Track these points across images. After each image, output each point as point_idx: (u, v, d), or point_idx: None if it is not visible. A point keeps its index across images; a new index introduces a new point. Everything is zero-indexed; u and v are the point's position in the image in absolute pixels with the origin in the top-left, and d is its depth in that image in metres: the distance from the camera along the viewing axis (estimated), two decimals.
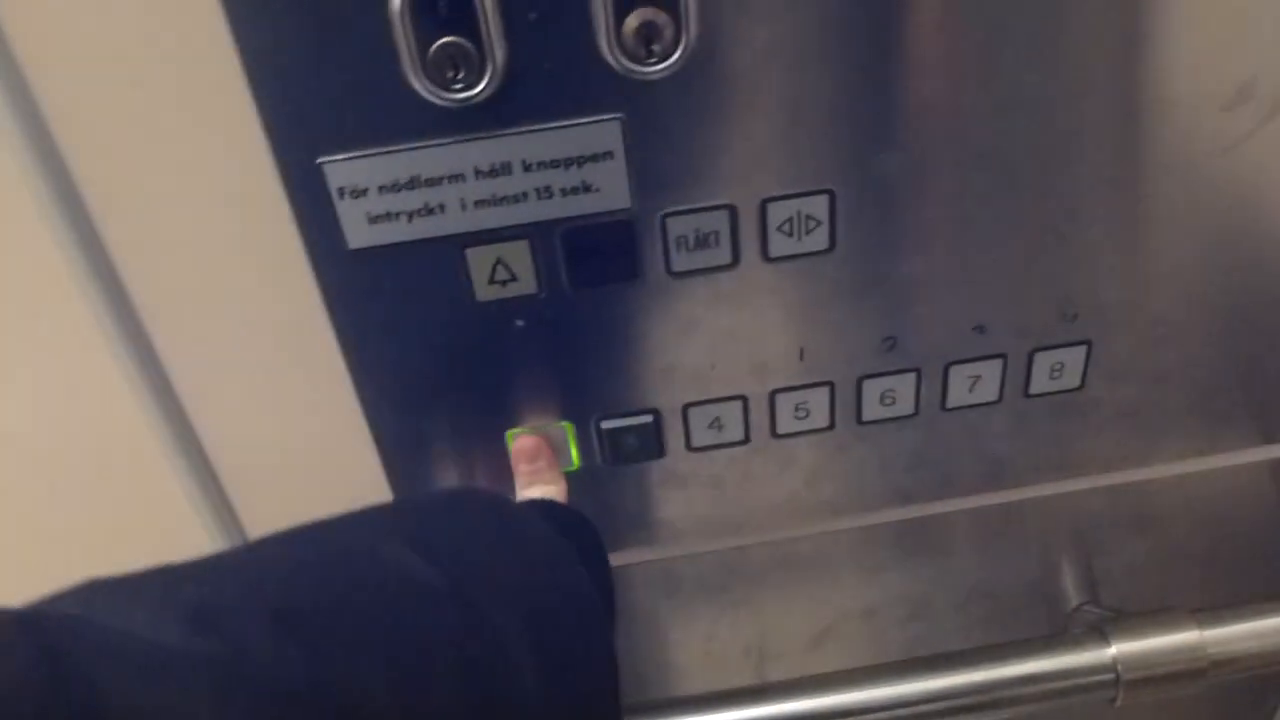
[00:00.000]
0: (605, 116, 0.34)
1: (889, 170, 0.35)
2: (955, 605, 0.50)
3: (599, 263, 0.37)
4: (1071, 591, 0.50)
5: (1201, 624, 0.44)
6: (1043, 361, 0.41)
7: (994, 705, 0.45)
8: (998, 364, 0.41)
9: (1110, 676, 0.44)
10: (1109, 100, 0.35)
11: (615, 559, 0.45)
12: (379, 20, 0.31)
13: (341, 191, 0.34)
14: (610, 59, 0.32)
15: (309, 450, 0.41)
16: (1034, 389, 0.42)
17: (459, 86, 0.33)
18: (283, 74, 0.32)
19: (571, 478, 0.42)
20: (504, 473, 0.42)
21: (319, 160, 0.34)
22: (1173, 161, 0.36)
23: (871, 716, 0.46)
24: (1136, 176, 0.37)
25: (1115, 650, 0.44)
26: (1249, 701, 0.62)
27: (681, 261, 0.37)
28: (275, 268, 0.36)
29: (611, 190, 0.35)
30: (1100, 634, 0.45)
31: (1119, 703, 0.44)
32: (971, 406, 0.42)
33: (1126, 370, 0.42)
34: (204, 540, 0.42)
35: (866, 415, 0.42)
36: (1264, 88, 0.35)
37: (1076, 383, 0.42)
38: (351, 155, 0.34)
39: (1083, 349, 0.41)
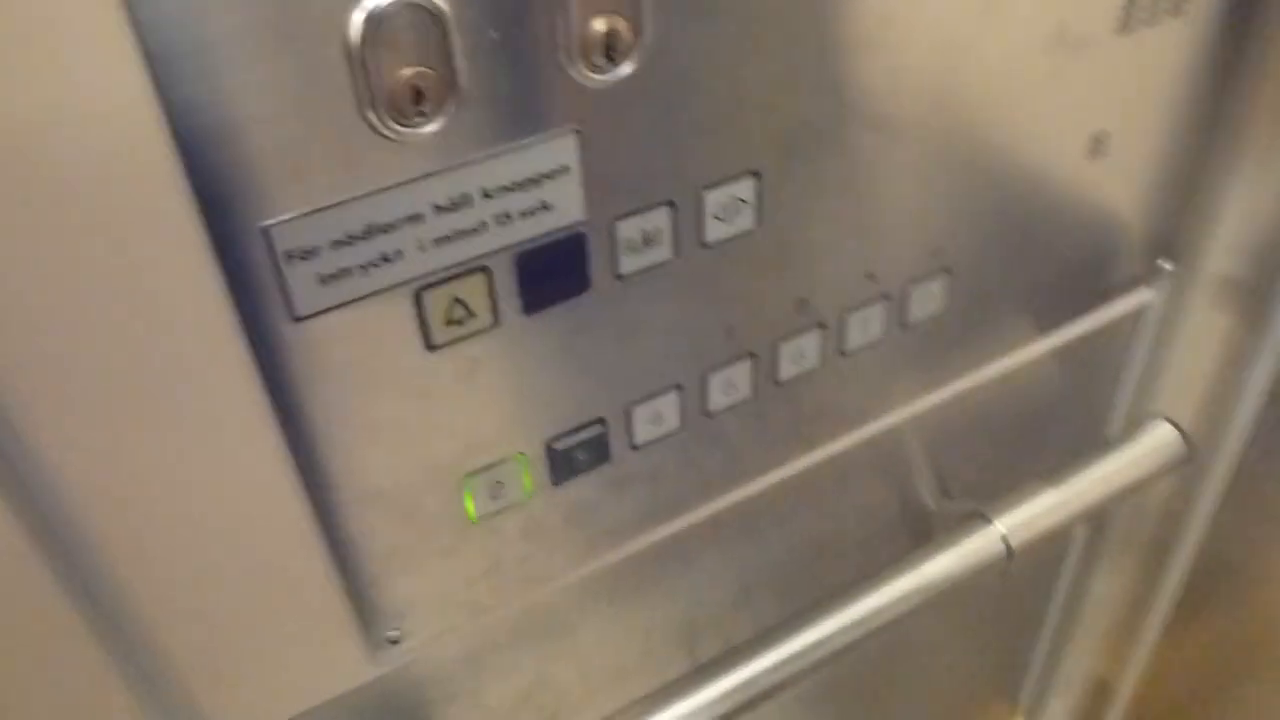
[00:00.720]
0: (563, 130, 0.34)
1: (808, 147, 0.39)
2: (846, 533, 0.56)
3: (553, 281, 0.37)
4: (932, 494, 0.58)
5: (1053, 483, 0.53)
6: (918, 294, 0.47)
7: (914, 612, 0.52)
8: (884, 305, 0.46)
9: (1002, 549, 0.52)
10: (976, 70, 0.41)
11: (561, 579, 0.46)
12: (330, 59, 0.29)
13: (290, 255, 0.32)
14: (571, 70, 0.33)
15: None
16: (911, 319, 0.48)
17: (420, 120, 0.31)
18: (220, 133, 0.29)
19: (521, 510, 0.42)
20: (460, 522, 0.41)
21: (264, 224, 0.31)
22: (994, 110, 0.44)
23: (808, 659, 0.51)
24: (987, 139, 0.43)
25: (1001, 526, 0.52)
26: (1029, 583, 0.75)
27: (629, 263, 0.38)
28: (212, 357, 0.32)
29: (567, 205, 0.36)
30: (982, 517, 0.53)
31: (1010, 570, 0.52)
32: (863, 347, 0.47)
33: (967, 291, 0.49)
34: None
35: (783, 376, 0.46)
36: (1072, 29, 0.43)
37: (942, 308, 0.48)
38: (300, 214, 0.31)
39: (946, 277, 0.47)
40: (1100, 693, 0.87)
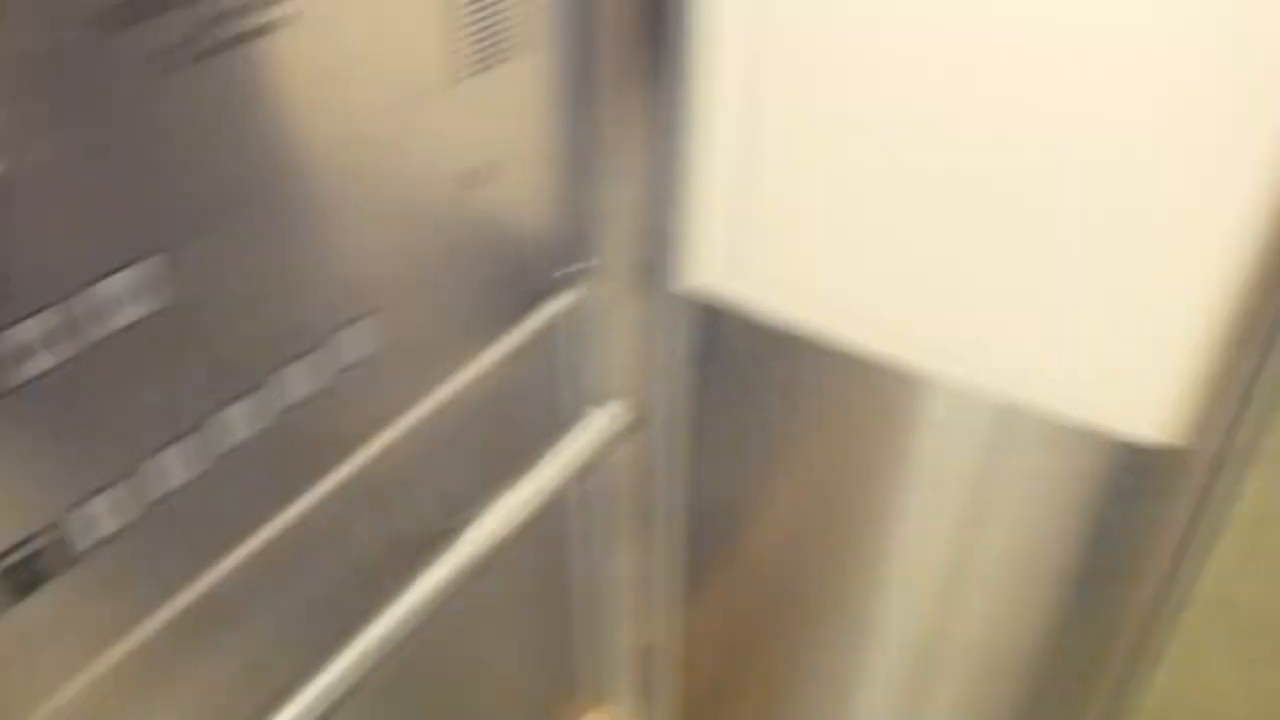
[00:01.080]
0: None
1: (217, 217, 0.44)
2: (358, 564, 0.62)
3: None
4: (419, 515, 0.66)
5: (521, 477, 0.63)
6: (348, 338, 0.54)
7: (426, 628, 0.59)
8: (318, 354, 0.53)
9: (485, 550, 0.60)
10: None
11: (75, 685, 0.47)
12: None
13: None
14: None
15: None
16: (344, 363, 0.55)
17: None
18: None
19: None
20: None
21: None
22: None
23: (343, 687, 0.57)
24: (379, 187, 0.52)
25: (477, 531, 0.61)
26: (544, 577, 0.85)
27: (30, 368, 0.41)
28: None
29: None
30: (456, 529, 0.61)
31: (508, 568, 0.61)
32: (307, 399, 0.53)
33: (402, 324, 0.57)
34: None
35: (235, 441, 0.50)
36: None
37: (377, 345, 0.56)
38: None
39: (374, 317, 0.55)
40: (650, 659, 1.00)
